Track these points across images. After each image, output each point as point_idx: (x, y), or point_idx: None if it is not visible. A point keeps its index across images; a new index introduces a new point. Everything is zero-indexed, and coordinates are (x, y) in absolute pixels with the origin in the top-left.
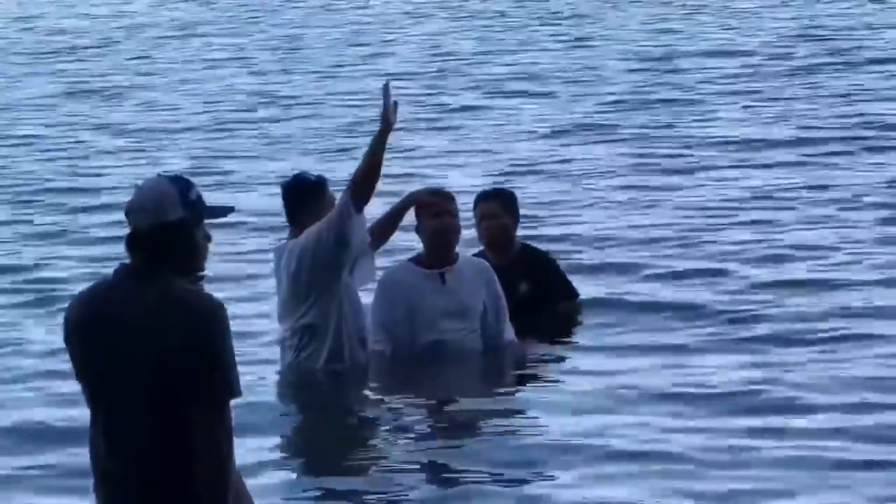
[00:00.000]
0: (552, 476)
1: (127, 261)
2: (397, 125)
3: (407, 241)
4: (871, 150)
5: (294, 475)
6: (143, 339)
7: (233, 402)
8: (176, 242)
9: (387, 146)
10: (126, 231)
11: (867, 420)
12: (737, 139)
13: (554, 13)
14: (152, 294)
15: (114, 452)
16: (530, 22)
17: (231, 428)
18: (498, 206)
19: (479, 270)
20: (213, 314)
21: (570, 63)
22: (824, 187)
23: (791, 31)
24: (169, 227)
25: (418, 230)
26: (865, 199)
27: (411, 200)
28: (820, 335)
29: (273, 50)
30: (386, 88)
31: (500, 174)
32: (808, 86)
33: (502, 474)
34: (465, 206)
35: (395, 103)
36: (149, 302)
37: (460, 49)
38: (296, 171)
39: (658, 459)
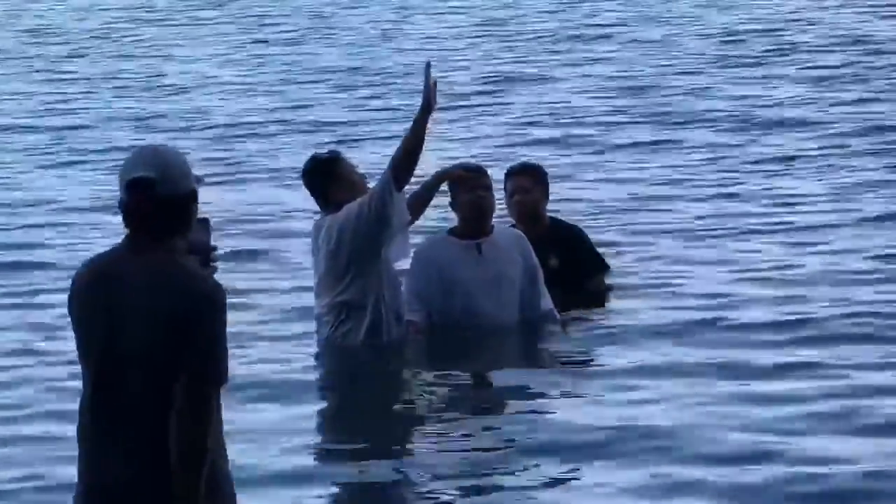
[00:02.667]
0: (585, 458)
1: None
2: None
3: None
4: None
5: (328, 450)
6: (137, 308)
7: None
8: (188, 214)
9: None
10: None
11: None
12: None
13: None
14: (153, 264)
15: (98, 422)
16: None
17: (213, 408)
18: (528, 180)
19: (515, 240)
20: (210, 296)
21: None
22: None
23: None
24: (189, 197)
25: (453, 205)
26: None
27: (443, 176)
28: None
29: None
30: (427, 68)
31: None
32: None
33: (534, 455)
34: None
35: (436, 83)
36: (149, 272)
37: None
38: (309, 155)
39: (693, 440)
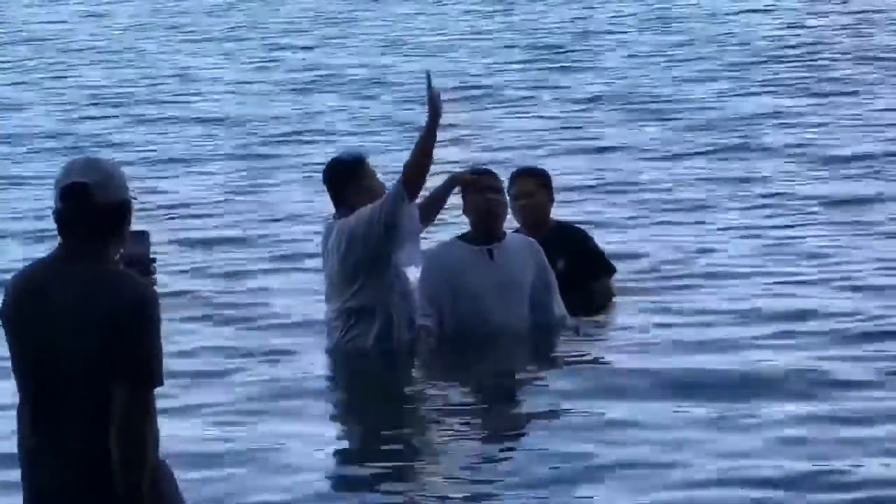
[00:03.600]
0: (598, 463)
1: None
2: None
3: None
4: None
5: (338, 455)
6: (72, 316)
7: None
8: (123, 223)
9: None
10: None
11: None
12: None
13: None
14: (86, 272)
15: (37, 428)
16: None
17: (150, 411)
18: (534, 184)
19: (526, 246)
20: (142, 300)
21: None
22: None
23: None
24: (124, 206)
25: (465, 209)
26: None
27: (454, 181)
28: None
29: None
30: (428, 78)
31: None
32: None
33: (546, 460)
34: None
35: (439, 92)
36: (81, 280)
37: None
38: (333, 154)
39: (703, 449)
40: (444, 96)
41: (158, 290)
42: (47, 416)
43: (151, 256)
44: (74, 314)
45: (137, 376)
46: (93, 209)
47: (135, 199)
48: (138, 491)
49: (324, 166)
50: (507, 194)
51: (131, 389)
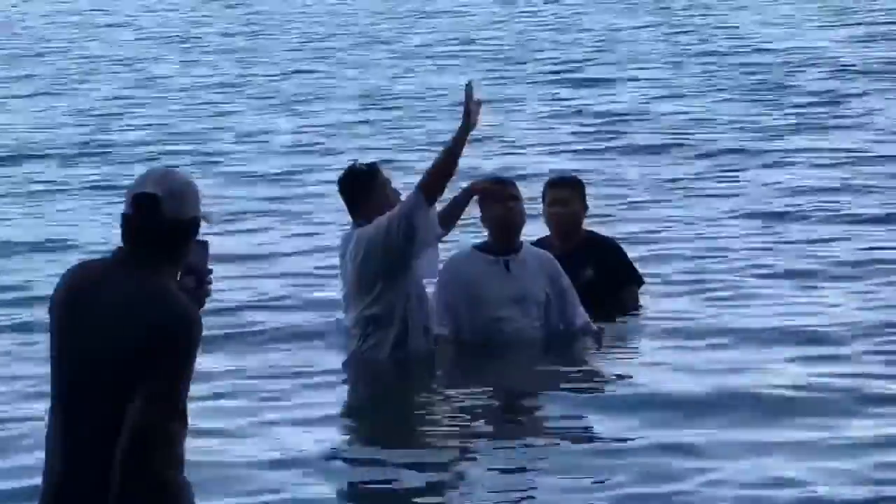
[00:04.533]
0: (610, 476)
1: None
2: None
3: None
4: None
5: (356, 463)
6: (112, 322)
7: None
8: (186, 240)
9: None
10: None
11: None
12: None
13: None
14: (136, 281)
15: (66, 416)
16: None
17: (168, 431)
18: (569, 193)
19: (543, 262)
20: (182, 319)
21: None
22: None
23: None
24: (190, 224)
25: (483, 218)
26: None
27: (473, 190)
28: None
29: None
30: (468, 88)
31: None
32: None
33: (560, 471)
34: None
35: (479, 102)
36: (130, 288)
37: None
38: (349, 163)
39: (724, 457)
40: (482, 108)
41: (210, 301)
42: (76, 415)
43: (209, 268)
44: (115, 321)
45: (155, 393)
46: (159, 222)
47: (208, 220)
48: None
49: (340, 175)
50: (542, 200)
51: (146, 405)
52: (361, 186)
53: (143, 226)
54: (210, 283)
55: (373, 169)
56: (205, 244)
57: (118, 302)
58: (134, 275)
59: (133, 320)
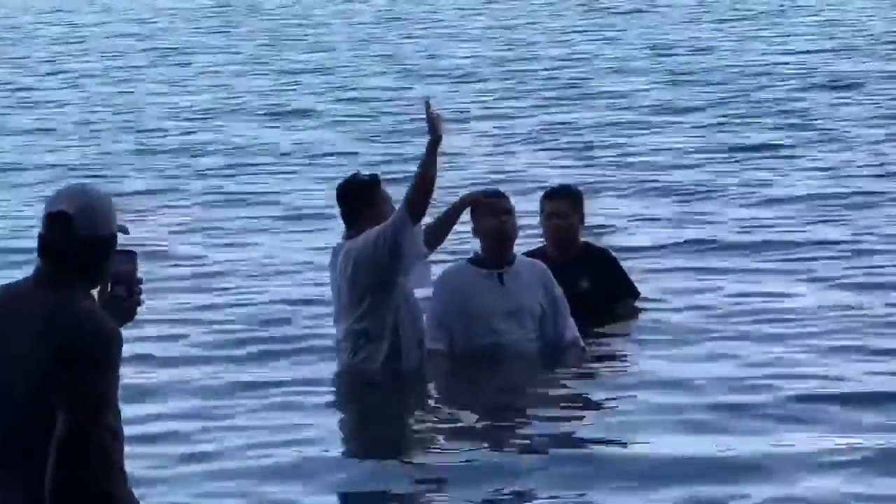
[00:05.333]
0: (603, 492)
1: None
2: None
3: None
4: None
5: (346, 476)
6: (29, 341)
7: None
8: (101, 257)
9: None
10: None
11: None
12: None
13: None
14: (52, 300)
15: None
16: None
17: (100, 449)
18: (567, 204)
19: (536, 273)
20: (98, 335)
21: None
22: None
23: None
24: (105, 241)
25: (475, 231)
26: None
27: (465, 202)
28: None
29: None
30: (427, 105)
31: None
32: None
33: (552, 484)
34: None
35: (440, 115)
36: (46, 307)
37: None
38: (350, 173)
39: (723, 470)
40: (444, 120)
41: (142, 311)
42: (4, 439)
43: (139, 276)
44: (32, 340)
45: (76, 411)
46: (72, 240)
47: (124, 231)
48: None
49: (339, 183)
50: (540, 211)
51: (68, 422)
52: (362, 197)
53: (56, 244)
54: (140, 292)
55: (375, 181)
56: (132, 253)
57: (32, 324)
58: (47, 295)
59: (47, 339)
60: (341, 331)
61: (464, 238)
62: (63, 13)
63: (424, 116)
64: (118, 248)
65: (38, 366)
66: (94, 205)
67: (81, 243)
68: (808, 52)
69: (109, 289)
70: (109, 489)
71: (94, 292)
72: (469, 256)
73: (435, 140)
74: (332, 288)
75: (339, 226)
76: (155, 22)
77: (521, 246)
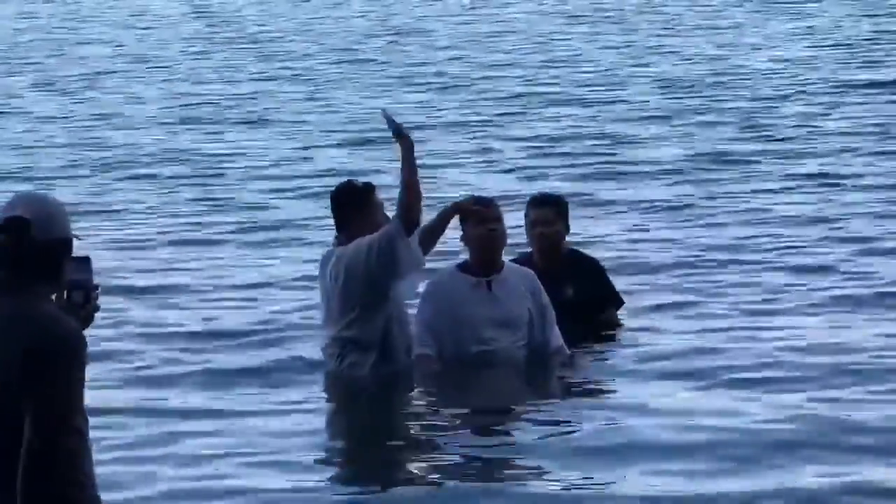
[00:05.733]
0: (596, 488)
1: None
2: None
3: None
4: None
5: (332, 481)
6: None
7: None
8: (59, 261)
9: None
10: None
11: None
12: None
13: None
14: (13, 305)
15: None
16: None
17: (69, 453)
18: (552, 212)
19: (524, 279)
20: (63, 338)
21: None
22: None
23: None
24: (62, 245)
25: (464, 238)
26: None
27: (455, 210)
28: None
29: None
30: (384, 114)
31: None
32: None
33: (538, 489)
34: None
35: (394, 121)
36: (6, 313)
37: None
38: (344, 179)
39: (700, 479)
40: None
41: (99, 316)
42: None
43: (94, 283)
44: None
45: (43, 416)
46: (30, 245)
47: (77, 237)
48: None
49: (334, 189)
50: (525, 218)
51: (35, 426)
52: (356, 203)
53: (14, 249)
54: (97, 297)
55: (369, 187)
56: (87, 259)
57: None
58: (7, 301)
59: (12, 343)
60: (329, 337)
61: (454, 244)
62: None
63: (387, 127)
64: (73, 255)
65: (3, 370)
66: (49, 210)
67: (40, 248)
68: (787, 60)
69: (66, 296)
70: (75, 494)
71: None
72: (457, 262)
73: (407, 146)
74: (320, 294)
75: (310, 236)
76: (131, 28)
77: (507, 254)
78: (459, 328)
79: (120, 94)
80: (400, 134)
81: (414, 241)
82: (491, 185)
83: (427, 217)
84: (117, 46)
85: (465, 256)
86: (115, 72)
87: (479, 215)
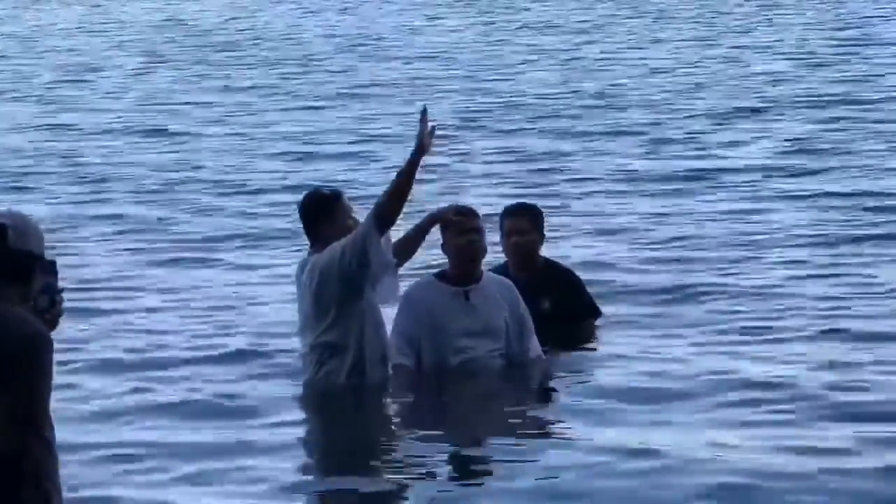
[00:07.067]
0: (567, 497)
1: None
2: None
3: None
4: None
5: (311, 490)
6: None
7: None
8: (30, 271)
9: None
10: None
11: None
12: None
13: None
14: None
15: None
16: None
17: (37, 455)
18: (527, 222)
19: (502, 289)
20: (31, 340)
21: None
22: None
23: None
24: (34, 257)
25: (444, 247)
26: None
27: (435, 218)
28: None
29: None
30: (423, 113)
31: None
32: None
33: (515, 498)
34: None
35: (433, 128)
36: None
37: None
38: (310, 188)
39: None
40: (437, 133)
41: (63, 319)
42: None
43: (59, 287)
44: None
45: (13, 422)
46: (6, 251)
47: (51, 260)
48: None
49: (301, 199)
50: (500, 229)
51: (4, 436)
52: (323, 210)
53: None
54: (62, 301)
55: (336, 193)
56: (53, 263)
57: None
58: None
59: None
60: (306, 345)
61: (434, 253)
62: None
63: (418, 124)
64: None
65: None
66: (26, 221)
67: (15, 254)
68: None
69: (32, 300)
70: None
71: None
72: (435, 272)
73: (420, 151)
74: (297, 301)
75: (284, 244)
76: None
77: (486, 265)
78: (437, 337)
79: (82, 104)
80: (422, 139)
81: (386, 240)
82: (471, 200)
83: (406, 226)
84: (77, 55)
85: (444, 266)
86: (76, 81)
87: (458, 225)
